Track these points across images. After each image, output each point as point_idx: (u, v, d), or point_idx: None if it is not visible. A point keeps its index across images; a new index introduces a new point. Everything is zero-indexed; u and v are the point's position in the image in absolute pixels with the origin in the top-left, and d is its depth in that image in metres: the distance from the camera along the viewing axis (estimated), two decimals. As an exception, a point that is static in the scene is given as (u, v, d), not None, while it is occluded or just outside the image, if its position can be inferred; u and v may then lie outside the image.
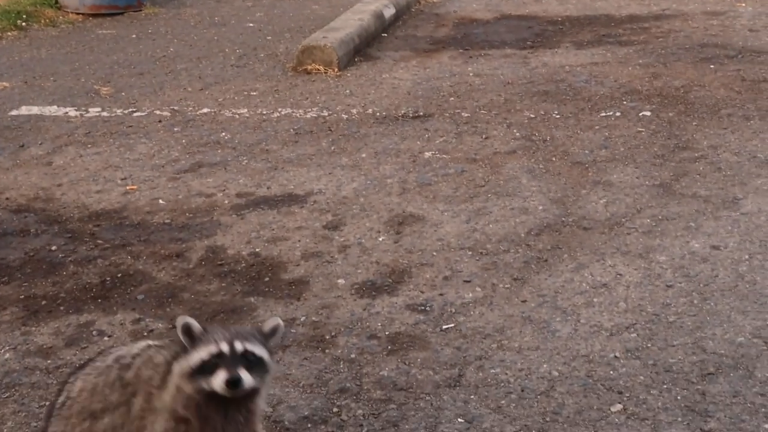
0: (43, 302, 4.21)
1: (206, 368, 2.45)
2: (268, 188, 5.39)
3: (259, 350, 2.52)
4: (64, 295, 4.27)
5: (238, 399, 2.49)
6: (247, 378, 2.44)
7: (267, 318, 3.95)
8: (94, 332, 3.92)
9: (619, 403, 3.32)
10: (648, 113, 6.45)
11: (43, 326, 4.00)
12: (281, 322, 2.63)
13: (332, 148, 6.02)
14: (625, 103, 6.69)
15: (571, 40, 8.60)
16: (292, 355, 3.70)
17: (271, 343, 2.59)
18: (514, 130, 6.21)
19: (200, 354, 2.46)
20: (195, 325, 2.51)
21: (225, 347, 2.46)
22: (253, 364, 2.48)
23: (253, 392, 2.52)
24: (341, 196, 5.23)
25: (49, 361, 3.72)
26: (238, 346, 2.47)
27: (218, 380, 2.41)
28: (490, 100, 6.89)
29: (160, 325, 3.96)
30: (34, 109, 7.07)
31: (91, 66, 8.37)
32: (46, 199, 5.34)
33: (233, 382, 2.41)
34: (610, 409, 3.29)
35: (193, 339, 2.51)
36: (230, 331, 2.53)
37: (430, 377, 3.52)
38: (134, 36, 9.64)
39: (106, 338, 3.87)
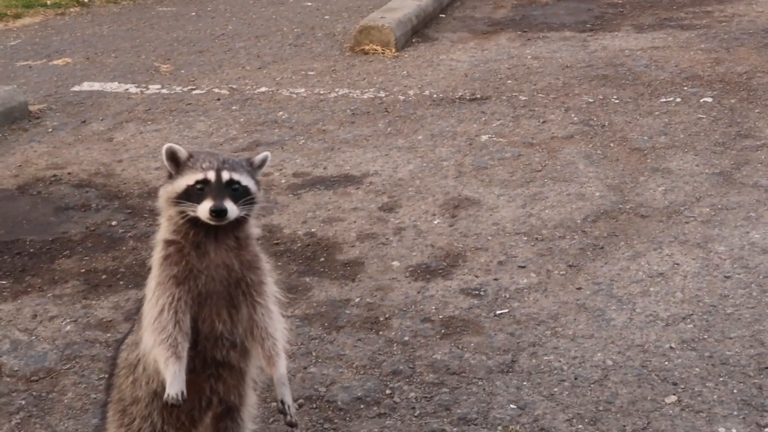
0: (104, 276, 4.29)
1: (191, 194, 2.41)
2: (324, 168, 5.42)
3: (246, 180, 2.49)
4: (123, 269, 4.35)
5: (225, 225, 2.45)
6: (231, 208, 2.40)
7: (321, 298, 4.00)
8: (152, 307, 3.98)
9: (674, 394, 3.30)
10: (709, 99, 6.35)
11: (103, 300, 4.09)
12: (269, 154, 2.62)
13: (389, 129, 6.03)
14: (685, 88, 6.58)
15: (632, 24, 8.48)
16: (345, 336, 3.73)
17: (259, 174, 2.57)
18: (572, 115, 6.15)
19: (186, 180, 2.43)
20: (180, 150, 2.48)
21: (212, 175, 2.43)
22: (239, 193, 2.45)
23: (241, 220, 2.49)
24: (397, 178, 5.24)
25: (108, 335, 3.80)
26: (225, 175, 2.45)
27: (204, 208, 2.39)
28: (548, 83, 6.84)
29: (216, 302, 4.02)
30: (96, 85, 7.18)
31: (152, 43, 8.47)
32: (106, 174, 5.44)
33: (218, 212, 2.38)
34: (664, 401, 3.27)
35: (178, 165, 2.48)
36: (218, 159, 2.49)
37: (483, 362, 3.53)
38: (194, 14, 9.72)
39: (164, 314, 3.93)
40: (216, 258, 2.48)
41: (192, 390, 2.47)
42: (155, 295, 2.48)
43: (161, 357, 2.45)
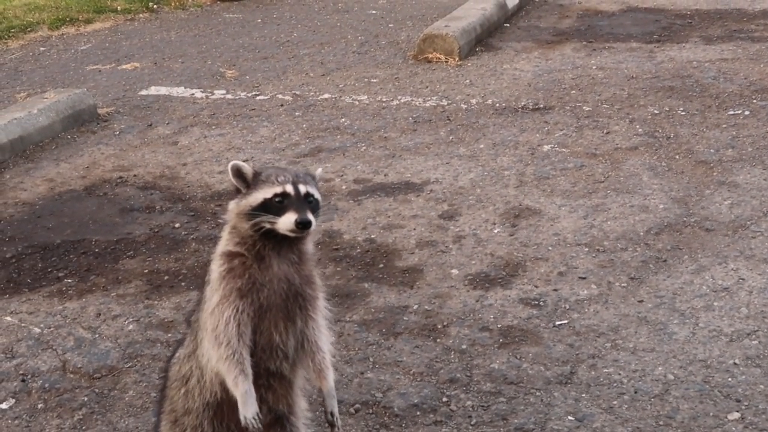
0: (166, 277, 4.36)
1: (269, 208, 2.44)
2: (385, 175, 5.43)
3: (317, 193, 2.54)
4: (185, 271, 4.41)
5: (291, 238, 2.48)
6: (312, 219, 2.44)
7: (380, 304, 4.00)
8: (212, 309, 4.02)
9: (737, 411, 3.23)
10: (779, 113, 6.22)
11: (165, 300, 4.14)
12: (321, 170, 2.69)
13: (450, 137, 6.02)
14: (755, 101, 6.46)
15: (700, 35, 8.35)
16: (403, 343, 3.73)
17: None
18: (637, 126, 6.07)
19: (263, 193, 2.46)
20: (245, 167, 2.51)
21: (290, 188, 2.46)
22: (314, 206, 2.50)
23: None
24: (458, 186, 5.23)
25: (169, 335, 3.85)
26: (302, 188, 2.48)
27: (288, 220, 2.42)
28: (612, 94, 6.76)
29: (276, 305, 4.04)
30: (163, 90, 7.31)
31: (218, 49, 8.59)
32: (171, 177, 5.52)
33: (304, 223, 2.42)
34: (726, 417, 3.20)
35: (245, 180, 2.50)
36: (291, 173, 2.52)
37: (542, 373, 3.50)
38: (259, 20, 9.83)
39: (224, 315, 3.97)
40: (279, 271, 2.51)
41: None
42: (219, 308, 2.50)
43: (229, 374, 2.48)
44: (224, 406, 2.56)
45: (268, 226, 2.44)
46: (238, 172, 2.51)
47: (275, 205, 2.45)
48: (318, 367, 2.61)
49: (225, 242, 2.54)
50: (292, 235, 2.45)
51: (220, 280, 2.51)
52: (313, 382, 2.68)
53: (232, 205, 2.52)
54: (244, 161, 2.60)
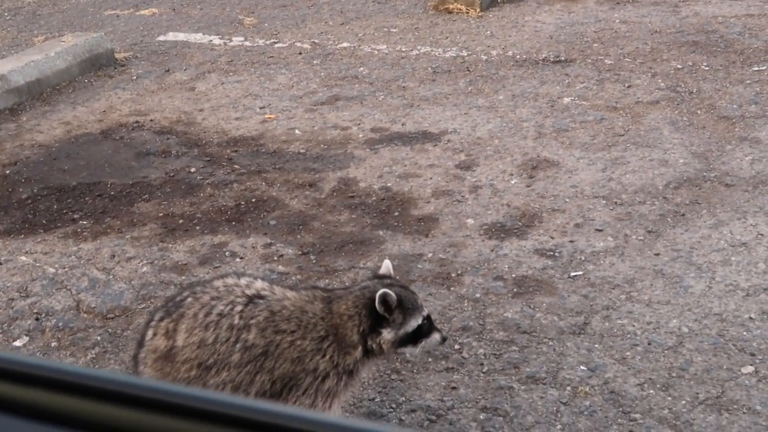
0: (180, 221, 4.35)
1: (419, 332, 2.67)
2: (402, 125, 5.38)
3: None
4: (200, 215, 4.40)
5: None
6: None
7: (394, 252, 3.98)
8: (227, 253, 4.03)
9: (751, 365, 3.20)
10: (805, 70, 6.11)
11: (180, 244, 4.14)
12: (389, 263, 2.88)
13: (469, 88, 5.95)
14: (780, 58, 6.35)
15: (727, -10, 8.20)
16: (417, 290, 3.70)
17: None
18: (659, 80, 5.99)
19: (415, 320, 2.66)
20: (392, 296, 2.59)
21: (426, 311, 2.70)
22: None
23: None
24: (475, 137, 5.18)
25: (183, 277, 3.85)
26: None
27: (434, 340, 2.72)
28: (635, 48, 6.66)
29: (290, 250, 4.04)
30: (181, 36, 7.25)
31: (237, -4, 8.51)
32: (187, 122, 5.49)
33: (446, 339, 2.81)
34: (740, 371, 3.18)
35: (390, 308, 2.60)
36: (414, 292, 2.75)
37: (555, 323, 3.48)
38: (279, -32, 9.73)
39: (238, 260, 3.97)
40: None
41: None
42: (332, 406, 2.64)
43: None
44: None
45: (412, 348, 2.70)
46: (385, 302, 2.61)
47: (424, 328, 2.67)
48: None
49: (355, 359, 2.63)
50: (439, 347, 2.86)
51: (339, 393, 2.64)
52: None
53: (389, 335, 2.65)
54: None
